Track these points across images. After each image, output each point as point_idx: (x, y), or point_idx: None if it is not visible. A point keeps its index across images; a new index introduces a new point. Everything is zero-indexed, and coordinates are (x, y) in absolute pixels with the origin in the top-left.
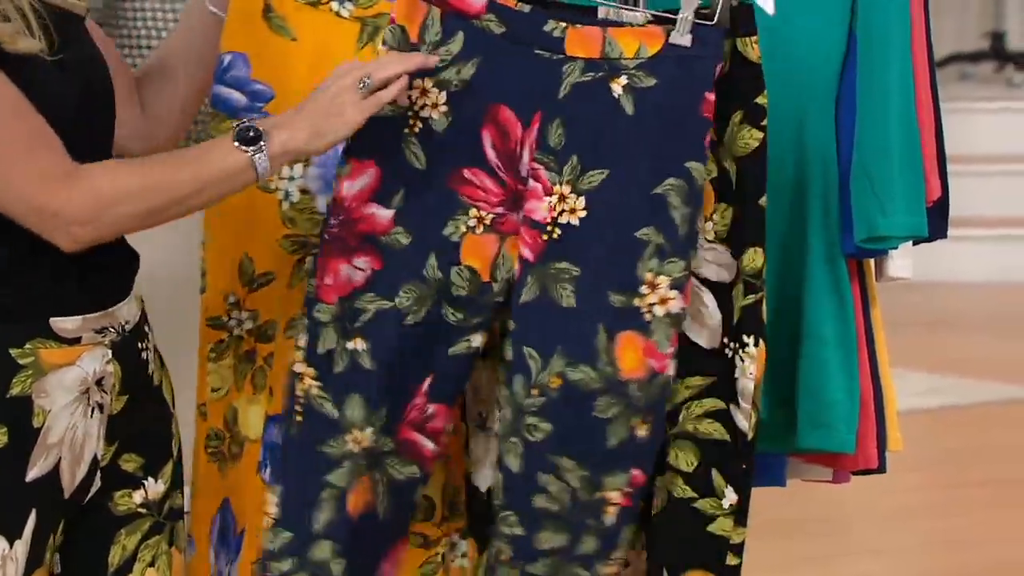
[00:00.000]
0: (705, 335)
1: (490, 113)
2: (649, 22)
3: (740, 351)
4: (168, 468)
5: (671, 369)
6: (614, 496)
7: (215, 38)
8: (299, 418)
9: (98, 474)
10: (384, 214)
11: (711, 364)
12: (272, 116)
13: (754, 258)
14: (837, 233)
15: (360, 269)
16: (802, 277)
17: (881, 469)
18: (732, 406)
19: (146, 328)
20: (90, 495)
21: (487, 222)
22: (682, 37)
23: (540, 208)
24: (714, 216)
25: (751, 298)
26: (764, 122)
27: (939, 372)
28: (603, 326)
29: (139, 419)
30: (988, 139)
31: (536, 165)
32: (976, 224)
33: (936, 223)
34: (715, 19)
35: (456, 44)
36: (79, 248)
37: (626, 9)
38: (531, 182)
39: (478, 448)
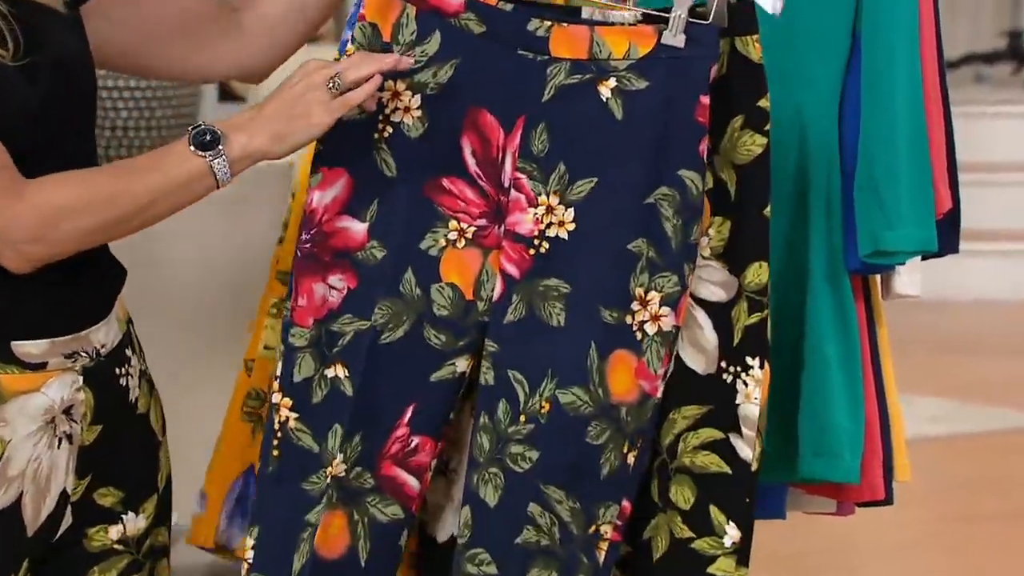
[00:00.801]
0: (701, 360)
1: (469, 118)
2: (640, 21)
3: (742, 375)
4: (151, 503)
5: (660, 392)
6: (607, 530)
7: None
8: (276, 452)
9: (68, 509)
10: (358, 228)
11: (707, 391)
12: (233, 116)
13: (758, 273)
14: (840, 248)
15: (336, 288)
16: (803, 295)
17: (888, 500)
18: (733, 435)
19: (128, 351)
20: (61, 532)
21: (469, 235)
22: (675, 37)
23: (525, 220)
24: (709, 231)
25: (755, 317)
26: (767, 127)
27: (950, 397)
28: (595, 344)
29: (117, 450)
30: (1004, 146)
31: (519, 174)
32: (990, 238)
33: (947, 237)
34: (710, 18)
35: (432, 44)
36: (32, 268)
37: (615, 8)
38: (513, 192)
39: (437, 495)
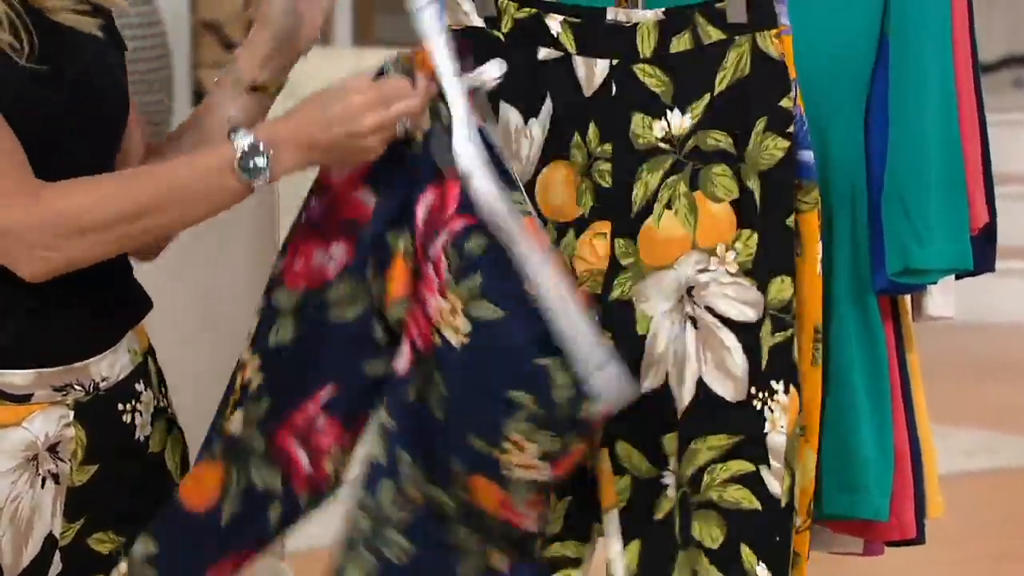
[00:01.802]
0: (729, 385)
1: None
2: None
3: (769, 400)
4: None
5: (533, 526)
6: None
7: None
8: (232, 413)
9: (57, 555)
10: (371, 201)
11: (737, 419)
12: (282, 129)
13: (781, 289)
14: (867, 266)
15: (334, 259)
16: (827, 317)
17: (920, 539)
18: (762, 467)
19: (139, 386)
20: None
21: (413, 251)
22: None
23: (432, 301)
24: (736, 244)
25: (780, 336)
26: (791, 128)
27: (987, 427)
28: (459, 460)
29: (118, 493)
30: None
31: (443, 258)
32: None
33: (982, 254)
34: (726, 12)
35: None
36: (48, 276)
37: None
38: (430, 269)
39: None
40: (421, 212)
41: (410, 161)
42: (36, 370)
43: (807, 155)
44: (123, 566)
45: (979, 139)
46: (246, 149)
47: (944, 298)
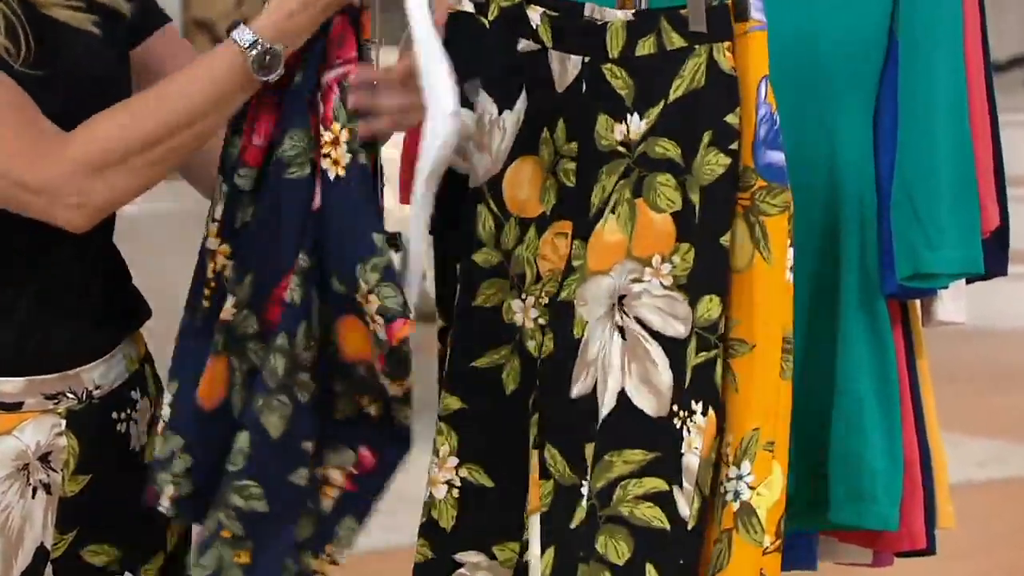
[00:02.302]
0: (652, 400)
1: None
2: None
3: (688, 420)
4: (155, 563)
5: (398, 391)
6: (335, 476)
7: None
8: (207, 304)
9: (49, 567)
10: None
11: (655, 435)
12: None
13: (709, 308)
14: (876, 270)
15: (283, 125)
16: (835, 322)
17: (930, 550)
18: (675, 487)
19: (135, 394)
20: None
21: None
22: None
23: (322, 130)
24: (673, 257)
25: (703, 356)
26: (734, 145)
27: (1000, 436)
28: (330, 301)
29: (113, 504)
30: None
31: (336, 88)
32: None
33: (994, 257)
34: (688, 21)
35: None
36: (92, 222)
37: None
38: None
39: None
40: (333, 41)
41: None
42: (27, 378)
43: (776, 156)
44: (168, 488)
45: (990, 140)
46: (256, 51)
47: (955, 303)
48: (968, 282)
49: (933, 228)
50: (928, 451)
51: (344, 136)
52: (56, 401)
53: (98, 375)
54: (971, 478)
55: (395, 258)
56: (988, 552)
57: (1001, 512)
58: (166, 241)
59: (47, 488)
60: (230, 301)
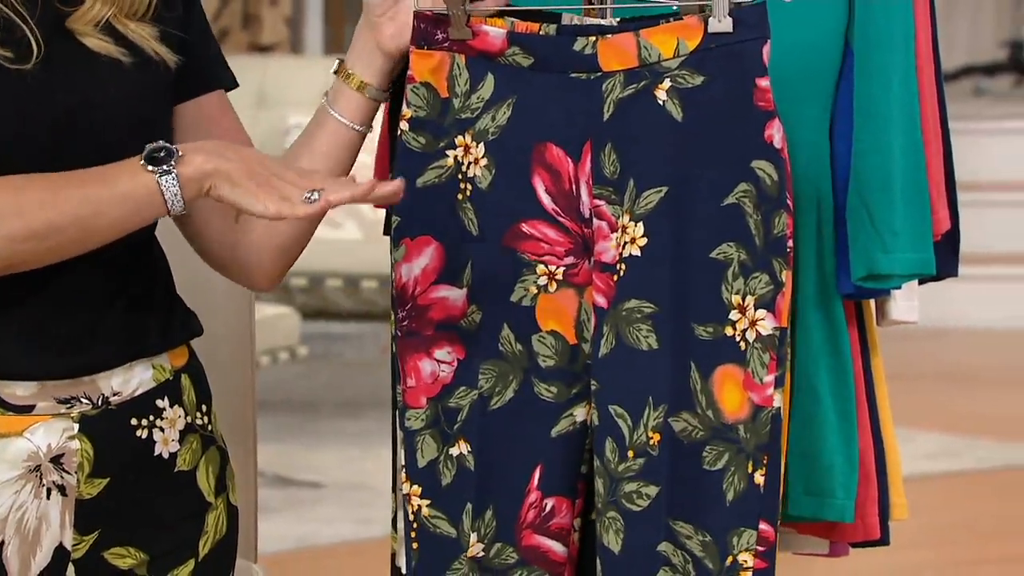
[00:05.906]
0: None
1: (536, 155)
2: (675, 15)
3: None
4: (185, 569)
5: (777, 400)
6: (745, 559)
7: (345, 160)
8: (415, 546)
9: (71, 568)
10: (457, 295)
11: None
12: (205, 144)
13: None
14: (832, 271)
15: (444, 362)
16: (793, 322)
17: (884, 541)
18: None
19: (162, 402)
20: None
21: (559, 277)
22: (721, 22)
23: (609, 248)
24: None
25: None
26: None
27: (951, 431)
28: (695, 364)
29: (139, 508)
30: (1006, 163)
31: (597, 201)
32: (992, 261)
33: (945, 260)
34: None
35: (487, 88)
36: None
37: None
38: (596, 221)
39: None
40: (546, 200)
41: (486, 199)
42: (39, 382)
43: None
44: None
45: (942, 147)
46: (154, 146)
47: (908, 303)
48: (920, 283)
49: (887, 231)
50: (882, 446)
51: (627, 220)
52: (69, 406)
53: (116, 382)
54: (923, 471)
55: None
56: (939, 542)
57: (952, 503)
58: None
59: (62, 490)
60: (473, 538)
